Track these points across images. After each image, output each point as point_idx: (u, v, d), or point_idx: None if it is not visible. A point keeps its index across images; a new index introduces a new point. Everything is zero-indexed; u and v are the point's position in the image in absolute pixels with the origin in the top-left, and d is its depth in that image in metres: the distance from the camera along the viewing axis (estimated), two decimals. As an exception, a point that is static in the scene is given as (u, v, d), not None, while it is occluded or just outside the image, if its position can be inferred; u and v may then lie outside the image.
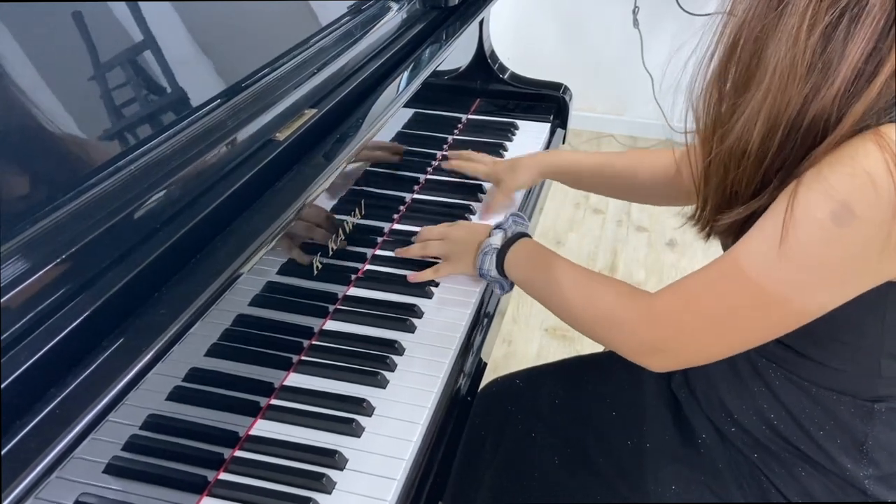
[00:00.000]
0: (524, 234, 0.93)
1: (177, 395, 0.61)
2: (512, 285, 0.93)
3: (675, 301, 0.76)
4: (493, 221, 1.00)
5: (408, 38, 1.07)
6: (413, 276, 0.95)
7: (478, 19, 1.26)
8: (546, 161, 1.11)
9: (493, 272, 0.92)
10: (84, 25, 0.66)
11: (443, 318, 0.90)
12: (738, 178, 0.71)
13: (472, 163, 1.14)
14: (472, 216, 1.09)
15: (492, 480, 0.93)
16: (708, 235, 0.80)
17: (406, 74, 1.00)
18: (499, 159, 1.16)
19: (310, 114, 0.82)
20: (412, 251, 0.98)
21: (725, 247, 0.83)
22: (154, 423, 0.59)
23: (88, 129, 0.64)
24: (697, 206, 0.80)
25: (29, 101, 0.59)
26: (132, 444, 0.57)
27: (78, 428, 0.48)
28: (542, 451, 0.92)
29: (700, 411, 0.88)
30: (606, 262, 2.20)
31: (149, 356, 0.53)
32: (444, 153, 1.23)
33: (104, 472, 0.55)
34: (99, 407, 0.50)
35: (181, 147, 0.68)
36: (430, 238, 0.98)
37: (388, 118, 0.92)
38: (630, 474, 0.87)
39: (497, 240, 0.92)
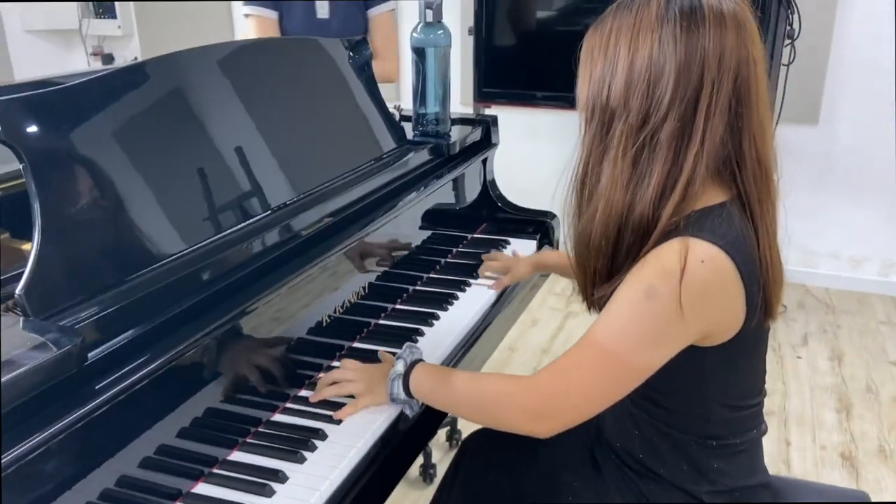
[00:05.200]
0: (419, 360, 1.13)
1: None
2: (420, 406, 1.11)
3: (549, 374, 0.99)
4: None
5: (410, 178, 1.51)
6: (337, 413, 1.09)
7: (478, 161, 1.70)
8: (536, 260, 1.54)
9: (402, 395, 1.09)
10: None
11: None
12: (592, 259, 1.01)
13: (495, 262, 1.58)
14: (455, 301, 1.47)
15: (456, 498, 1.27)
16: (590, 308, 1.10)
17: (406, 196, 1.43)
18: (510, 256, 1.60)
19: (328, 220, 1.25)
20: (326, 392, 1.13)
21: None
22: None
23: (173, 215, 1.07)
24: (578, 284, 1.10)
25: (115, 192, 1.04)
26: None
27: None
28: (494, 475, 1.25)
29: (602, 448, 1.18)
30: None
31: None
32: (448, 260, 1.64)
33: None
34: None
35: (254, 228, 1.11)
36: (343, 378, 1.13)
37: (388, 221, 1.34)
38: (552, 488, 1.18)
39: (400, 367, 1.11)
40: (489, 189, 1.82)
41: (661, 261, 0.92)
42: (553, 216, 1.81)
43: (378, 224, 1.33)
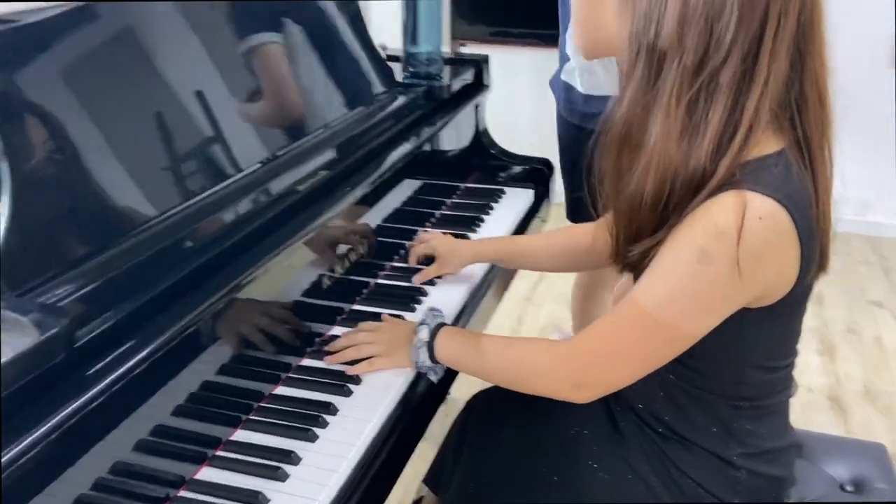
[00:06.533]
0: (443, 324, 1.07)
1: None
2: (444, 369, 1.06)
3: (589, 341, 0.95)
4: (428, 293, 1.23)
5: (411, 120, 1.40)
6: (350, 369, 1.04)
7: (470, 106, 1.59)
8: (482, 247, 1.32)
9: (428, 362, 1.04)
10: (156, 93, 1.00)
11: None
12: (640, 218, 0.92)
13: (422, 244, 1.32)
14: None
15: (465, 463, 1.20)
16: (623, 268, 1.01)
17: (401, 147, 1.33)
18: (443, 237, 1.33)
19: (325, 174, 1.15)
20: (346, 354, 1.06)
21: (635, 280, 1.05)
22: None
23: (155, 179, 0.95)
24: (613, 245, 1.01)
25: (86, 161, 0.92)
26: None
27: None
28: (506, 439, 1.18)
29: (622, 410, 1.12)
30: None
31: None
32: (444, 211, 1.55)
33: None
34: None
35: (246, 184, 1.01)
36: (361, 341, 1.07)
37: (383, 176, 1.24)
38: (570, 452, 1.12)
39: (424, 334, 1.04)
40: (481, 136, 1.72)
41: (714, 219, 0.84)
42: (550, 164, 1.72)
43: (376, 178, 1.22)
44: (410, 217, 1.45)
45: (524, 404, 1.15)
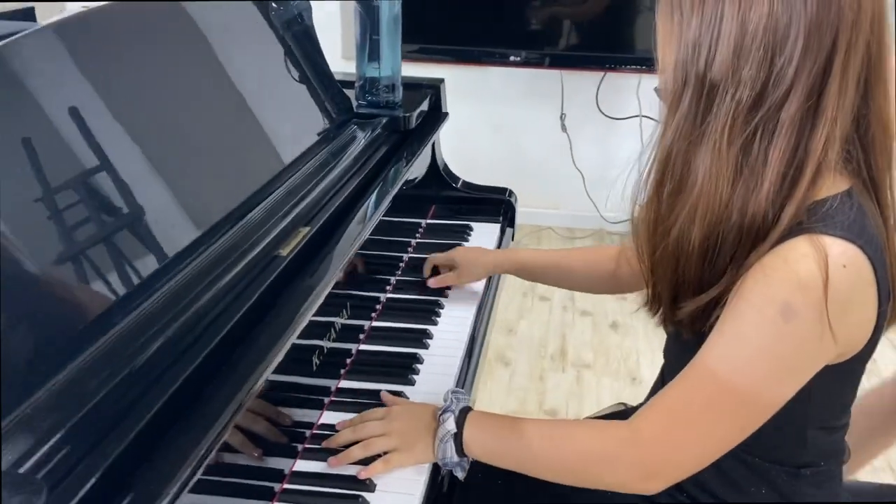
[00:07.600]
0: (469, 408, 0.91)
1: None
2: (469, 460, 0.91)
3: (659, 420, 0.81)
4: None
5: (377, 159, 1.23)
6: (362, 471, 0.87)
7: (433, 138, 1.43)
8: (503, 257, 1.27)
9: (455, 457, 0.88)
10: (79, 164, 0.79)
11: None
12: (685, 269, 0.82)
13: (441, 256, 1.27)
14: (441, 310, 1.21)
15: None
16: (665, 322, 0.90)
17: (378, 189, 1.15)
18: (463, 247, 1.31)
19: (304, 231, 0.96)
20: (353, 454, 0.88)
21: (670, 334, 0.94)
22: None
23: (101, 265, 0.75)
24: (648, 295, 0.90)
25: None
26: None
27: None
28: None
29: None
30: (556, 347, 2.35)
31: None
32: (411, 255, 1.38)
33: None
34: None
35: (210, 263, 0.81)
36: (370, 434, 0.90)
37: (371, 227, 1.06)
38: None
39: (451, 423, 0.88)
40: (439, 166, 1.56)
41: (794, 269, 0.74)
42: (511, 193, 1.58)
43: (357, 245, 1.03)
44: (376, 265, 1.27)
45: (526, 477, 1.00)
